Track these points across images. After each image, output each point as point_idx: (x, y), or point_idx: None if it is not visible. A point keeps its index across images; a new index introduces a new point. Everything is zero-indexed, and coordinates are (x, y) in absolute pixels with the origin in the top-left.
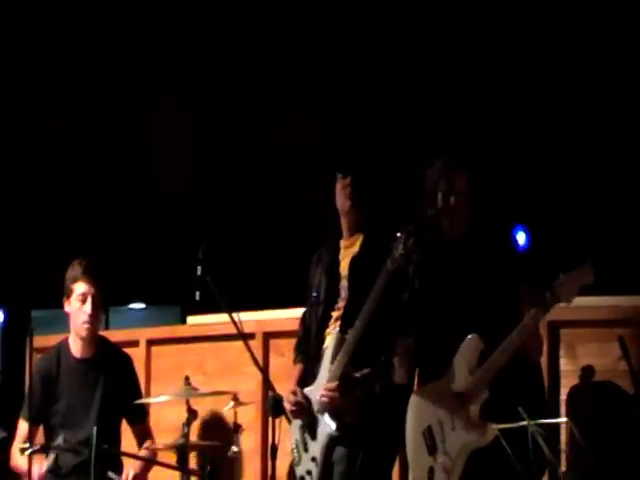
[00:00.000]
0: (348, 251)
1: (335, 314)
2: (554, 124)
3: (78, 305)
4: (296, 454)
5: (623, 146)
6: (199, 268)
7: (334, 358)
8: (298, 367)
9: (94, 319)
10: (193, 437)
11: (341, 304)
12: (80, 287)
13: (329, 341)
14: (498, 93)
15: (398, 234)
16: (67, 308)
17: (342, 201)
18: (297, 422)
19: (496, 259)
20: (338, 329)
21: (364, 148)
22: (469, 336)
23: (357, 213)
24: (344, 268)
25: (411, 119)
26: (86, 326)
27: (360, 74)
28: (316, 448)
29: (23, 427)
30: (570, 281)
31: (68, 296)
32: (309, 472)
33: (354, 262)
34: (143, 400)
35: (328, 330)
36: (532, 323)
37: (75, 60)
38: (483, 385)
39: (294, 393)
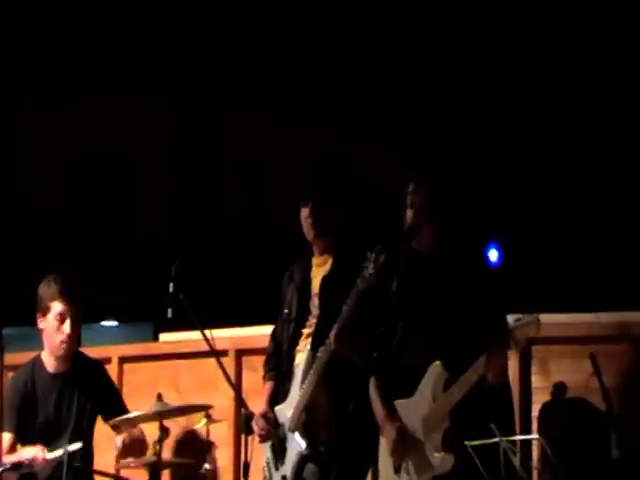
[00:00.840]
0: (320, 269)
1: (306, 331)
2: (527, 140)
3: (56, 324)
4: (267, 473)
5: (597, 164)
6: (171, 285)
7: (305, 377)
8: (268, 384)
9: (72, 339)
10: (166, 454)
11: (312, 321)
12: (58, 306)
13: (300, 359)
14: (473, 108)
15: (368, 253)
16: (41, 324)
17: (306, 230)
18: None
19: (469, 280)
20: (309, 347)
21: (326, 172)
22: (434, 364)
23: (322, 240)
24: (315, 286)
25: (390, 131)
26: (64, 346)
27: (338, 85)
28: (287, 466)
29: (6, 439)
30: (520, 330)
31: (44, 313)
32: None
33: (325, 280)
34: (117, 419)
35: (299, 347)
36: (482, 366)
37: (51, 74)
38: (444, 414)
39: (263, 415)
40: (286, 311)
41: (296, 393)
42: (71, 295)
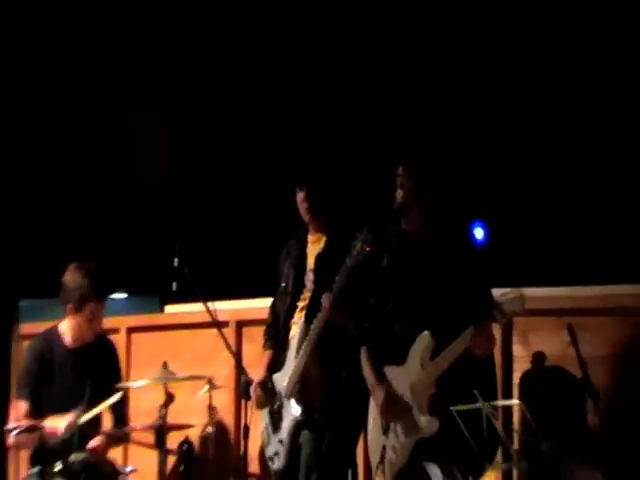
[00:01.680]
0: (314, 246)
1: (301, 304)
2: (509, 123)
3: (87, 319)
4: (265, 437)
5: (576, 142)
6: (176, 260)
7: (299, 347)
8: (267, 353)
9: (100, 328)
10: (170, 419)
11: (307, 295)
12: (92, 306)
13: (295, 331)
14: (459, 91)
15: (358, 233)
16: (71, 313)
17: (302, 212)
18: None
19: (455, 258)
20: (304, 319)
21: (320, 158)
22: (422, 333)
23: (318, 222)
24: (310, 262)
25: (383, 116)
26: (92, 335)
27: (333, 71)
28: (283, 431)
29: (23, 407)
30: (506, 305)
31: (77, 309)
32: (277, 453)
33: (319, 257)
34: (123, 384)
35: (294, 320)
36: (468, 338)
37: (52, 59)
38: (431, 380)
39: (262, 382)
40: (283, 285)
41: (291, 363)
42: (104, 295)
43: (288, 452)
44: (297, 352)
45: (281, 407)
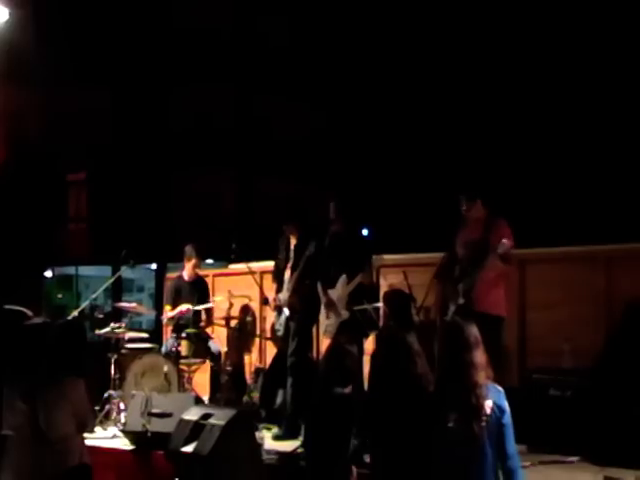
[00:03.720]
0: (293, 238)
1: (288, 267)
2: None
3: (194, 268)
4: (275, 320)
5: (548, 117)
6: (233, 245)
7: (288, 283)
8: (275, 285)
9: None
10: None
11: (290, 264)
12: (196, 262)
13: (286, 276)
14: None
15: (310, 239)
16: (187, 264)
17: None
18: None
19: (355, 242)
20: (290, 270)
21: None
22: (342, 275)
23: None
24: (292, 249)
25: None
26: (195, 275)
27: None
28: (282, 321)
29: (168, 308)
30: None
31: (187, 260)
32: (278, 330)
33: (295, 246)
34: (211, 298)
35: (286, 276)
36: (359, 278)
37: None
38: (346, 295)
39: (274, 299)
40: (280, 257)
41: (286, 290)
42: (202, 259)
43: (284, 329)
44: (288, 284)
45: (281, 309)
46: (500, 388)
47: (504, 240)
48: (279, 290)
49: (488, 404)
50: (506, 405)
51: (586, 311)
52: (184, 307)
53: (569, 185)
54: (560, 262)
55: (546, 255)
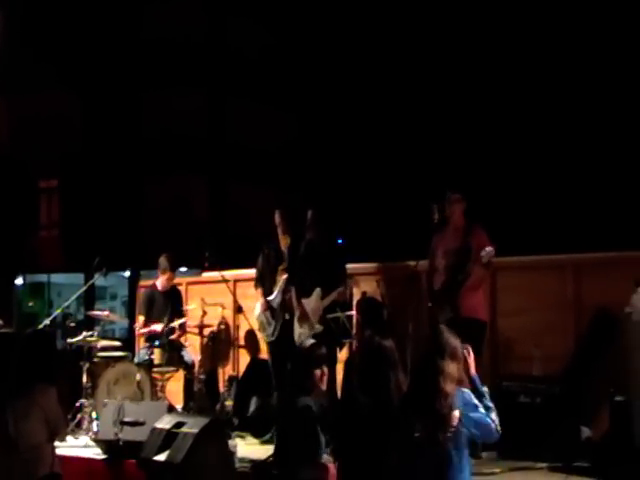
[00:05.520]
0: (284, 239)
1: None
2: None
3: (168, 279)
4: (265, 324)
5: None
6: (207, 253)
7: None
8: (259, 290)
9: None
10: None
11: (284, 266)
12: (170, 273)
13: (281, 279)
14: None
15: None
16: (161, 274)
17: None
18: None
19: (330, 256)
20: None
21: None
22: (316, 288)
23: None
24: (284, 250)
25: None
26: (169, 285)
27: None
28: (275, 324)
29: (141, 319)
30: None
31: (163, 273)
32: (272, 333)
33: (288, 247)
34: (184, 307)
35: (280, 278)
36: (336, 294)
37: None
38: (320, 307)
39: (265, 303)
40: (264, 262)
41: (276, 294)
42: (175, 268)
43: (279, 331)
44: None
45: (274, 311)
46: (466, 390)
47: (488, 248)
48: (267, 294)
49: (455, 414)
50: (473, 400)
51: (555, 318)
52: (158, 327)
53: (540, 195)
54: (530, 270)
55: (516, 263)
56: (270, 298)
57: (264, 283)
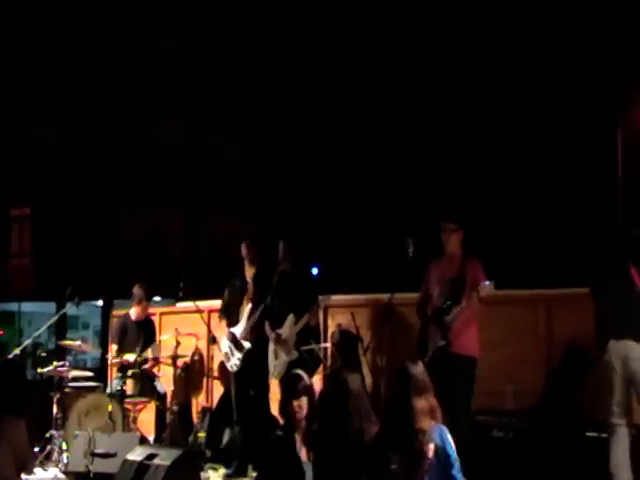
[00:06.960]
0: (250, 269)
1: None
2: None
3: (142, 308)
4: (230, 355)
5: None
6: (181, 284)
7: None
8: (223, 321)
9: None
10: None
11: (248, 296)
12: (144, 303)
13: (246, 309)
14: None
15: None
16: (135, 304)
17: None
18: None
19: (301, 283)
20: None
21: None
22: (290, 315)
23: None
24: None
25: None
26: (144, 315)
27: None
28: (238, 354)
29: (114, 347)
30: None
31: (137, 303)
32: (236, 364)
33: (253, 277)
34: (158, 337)
35: (244, 309)
36: (306, 319)
37: None
38: (293, 335)
39: (227, 335)
40: (229, 292)
41: (243, 324)
42: (149, 298)
43: (242, 362)
44: (247, 320)
45: (238, 342)
46: (443, 426)
47: (487, 282)
48: (231, 324)
49: (431, 447)
50: (449, 439)
51: (528, 352)
52: (130, 357)
53: (514, 232)
54: (504, 304)
55: (490, 298)
56: (233, 329)
57: (229, 314)
